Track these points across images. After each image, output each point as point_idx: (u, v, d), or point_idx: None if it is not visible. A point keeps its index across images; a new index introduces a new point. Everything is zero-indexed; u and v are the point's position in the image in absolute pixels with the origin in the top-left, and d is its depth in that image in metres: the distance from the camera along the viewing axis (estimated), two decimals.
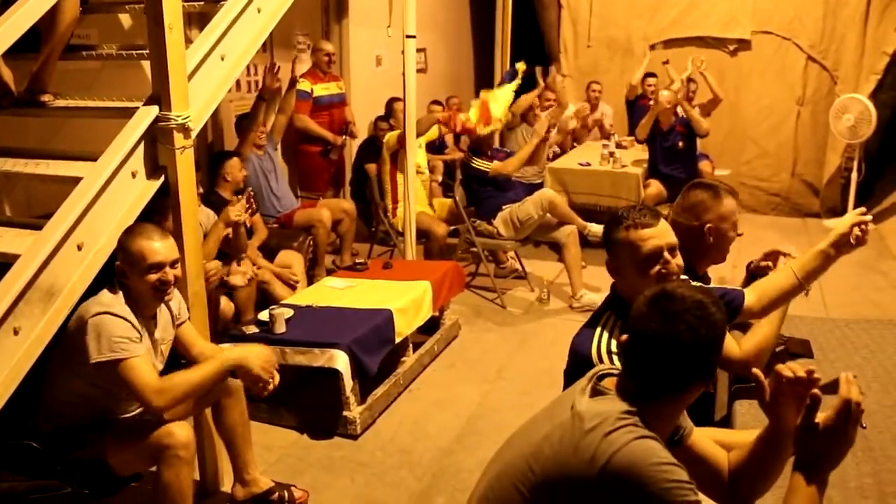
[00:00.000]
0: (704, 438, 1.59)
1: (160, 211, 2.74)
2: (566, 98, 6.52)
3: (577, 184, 5.86)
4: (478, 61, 8.57)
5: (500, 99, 4.97)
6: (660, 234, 1.81)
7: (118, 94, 2.90)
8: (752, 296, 2.01)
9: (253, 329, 3.33)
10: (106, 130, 2.48)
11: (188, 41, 2.64)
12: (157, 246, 2.25)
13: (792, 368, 1.40)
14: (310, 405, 3.36)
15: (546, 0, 7.80)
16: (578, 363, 1.79)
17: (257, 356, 2.38)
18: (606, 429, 1.30)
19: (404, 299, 3.68)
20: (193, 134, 2.52)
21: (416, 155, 4.73)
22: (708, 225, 2.19)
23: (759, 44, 7.04)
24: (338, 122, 5.46)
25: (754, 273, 2.31)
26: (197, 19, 4.10)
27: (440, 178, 5.68)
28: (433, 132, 5.06)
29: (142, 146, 2.41)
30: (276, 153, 4.91)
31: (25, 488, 2.20)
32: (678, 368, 1.34)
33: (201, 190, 3.70)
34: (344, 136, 5.46)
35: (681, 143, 5.70)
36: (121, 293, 2.26)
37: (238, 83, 5.13)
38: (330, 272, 4.65)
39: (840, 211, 6.75)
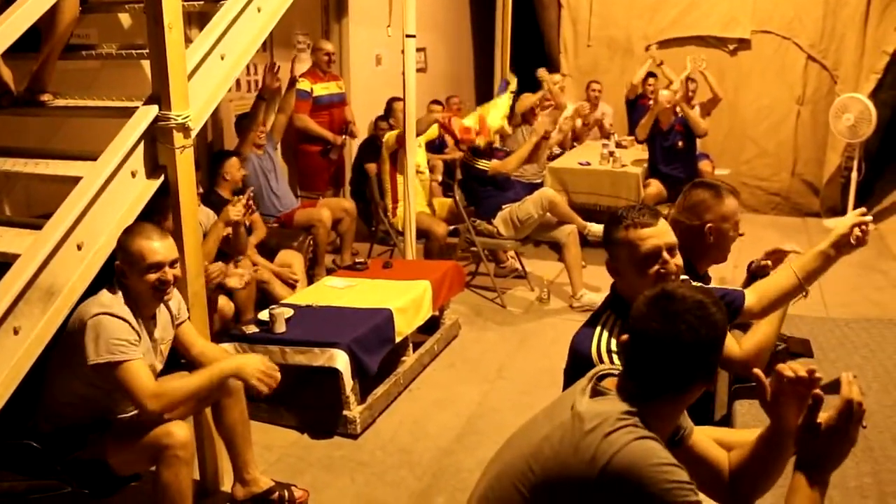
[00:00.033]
0: (705, 438, 1.59)
1: (160, 211, 2.74)
2: (563, 99, 6.51)
3: (577, 183, 5.86)
4: (478, 61, 8.57)
5: (498, 107, 4.98)
6: (658, 234, 1.81)
7: (118, 93, 2.90)
8: (753, 296, 2.00)
9: (253, 328, 3.33)
10: (106, 130, 2.48)
11: (188, 40, 2.64)
12: (157, 246, 2.25)
13: (793, 368, 1.40)
14: (310, 405, 3.36)
15: (546, 0, 7.80)
16: (578, 362, 1.79)
17: (255, 367, 2.35)
18: (606, 429, 1.30)
19: (404, 299, 3.68)
20: (193, 133, 2.52)
21: (416, 154, 4.72)
22: (709, 224, 2.19)
23: (759, 43, 7.04)
24: (338, 122, 5.46)
25: (755, 273, 2.31)
26: (197, 18, 4.10)
27: (440, 178, 5.68)
28: (433, 131, 5.06)
29: (141, 146, 2.41)
30: (275, 153, 4.91)
31: (25, 488, 2.20)
32: (679, 369, 1.34)
33: (201, 190, 3.70)
34: (344, 136, 5.46)
35: (680, 143, 5.70)
36: (120, 293, 2.26)
37: (238, 83, 5.13)
38: (330, 272, 4.65)
39: (840, 210, 6.75)
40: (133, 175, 2.40)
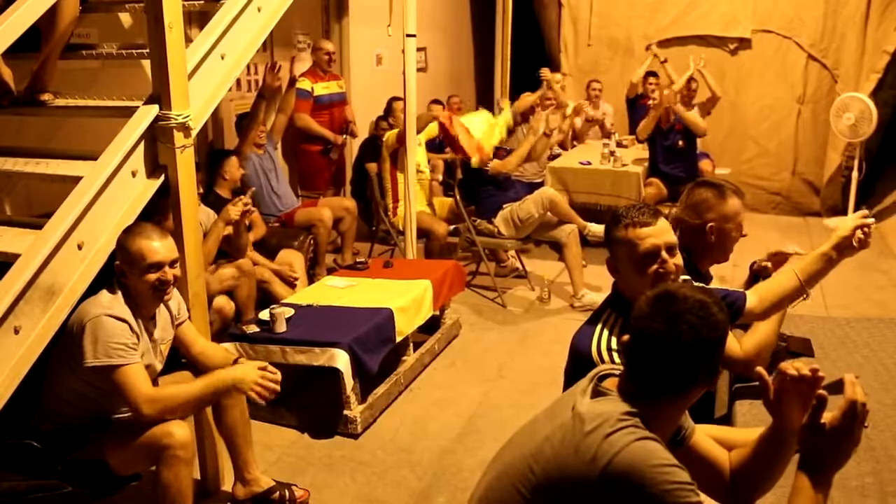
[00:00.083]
0: (706, 438, 1.58)
1: (160, 210, 2.74)
2: (565, 98, 6.51)
3: (577, 183, 5.86)
4: (478, 60, 8.57)
5: (493, 127, 5.01)
6: (658, 233, 1.81)
7: (118, 93, 2.90)
8: (754, 298, 2.00)
9: (253, 328, 3.32)
10: (106, 129, 2.48)
11: (188, 40, 2.64)
12: (157, 245, 2.25)
13: (797, 367, 1.39)
14: (310, 404, 3.36)
15: None
16: (579, 361, 1.79)
17: (252, 379, 2.30)
18: (607, 430, 1.29)
19: (405, 298, 3.68)
20: (194, 133, 2.52)
21: (416, 154, 4.72)
22: (710, 224, 2.19)
23: (759, 43, 7.04)
24: (338, 122, 5.46)
25: (757, 273, 2.31)
26: (197, 18, 4.10)
27: (441, 177, 5.68)
28: (432, 129, 5.05)
29: (142, 145, 2.41)
30: (276, 152, 4.91)
31: (26, 488, 2.21)
32: (680, 369, 1.34)
33: (201, 190, 3.69)
34: (344, 136, 5.46)
35: (681, 142, 5.69)
36: (120, 293, 2.26)
37: (238, 82, 5.13)
38: (331, 271, 4.65)
39: (841, 210, 6.74)
40: (133, 175, 2.40)
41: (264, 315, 3.39)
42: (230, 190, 4.07)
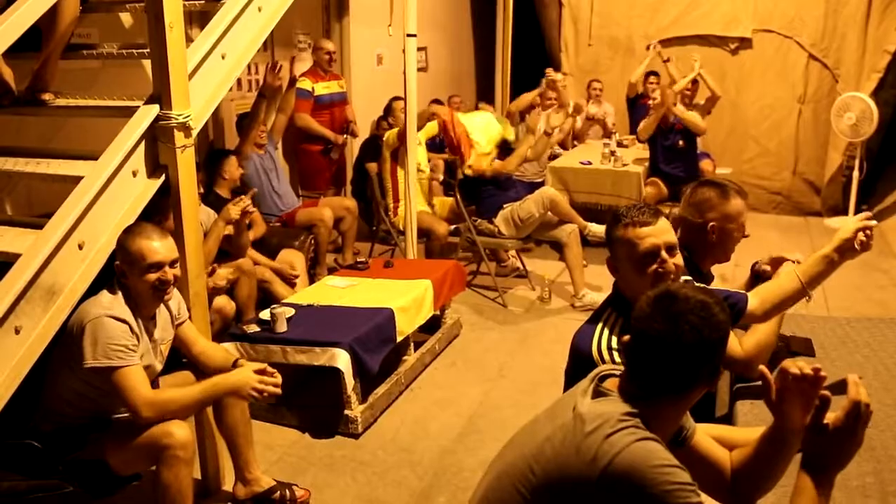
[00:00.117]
0: (707, 438, 1.58)
1: (161, 210, 2.74)
2: (568, 98, 6.51)
3: (578, 182, 5.86)
4: (479, 60, 8.57)
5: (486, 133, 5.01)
6: (657, 233, 1.81)
7: (119, 93, 2.90)
8: (756, 300, 2.00)
9: (254, 328, 3.32)
10: (107, 129, 2.48)
11: (189, 40, 2.64)
12: (157, 245, 2.25)
13: (799, 366, 1.39)
14: (311, 404, 3.36)
15: None
16: (579, 360, 1.79)
17: (252, 385, 2.30)
18: (607, 431, 1.29)
19: (405, 298, 3.68)
20: (194, 133, 2.52)
21: (416, 153, 4.72)
22: (711, 223, 2.18)
23: (760, 42, 7.03)
24: (339, 121, 5.46)
25: (758, 273, 2.31)
26: (198, 18, 4.10)
27: (441, 177, 5.68)
28: (432, 127, 5.05)
29: (142, 145, 2.41)
30: (276, 152, 4.91)
31: (26, 487, 2.21)
32: (681, 370, 1.34)
33: (201, 190, 3.69)
34: (345, 136, 5.46)
35: (681, 142, 5.69)
36: (120, 293, 2.26)
37: (239, 82, 5.13)
38: (331, 271, 4.65)
39: (842, 209, 6.74)
40: (134, 174, 2.40)
41: (265, 315, 3.39)
42: (230, 189, 4.07)
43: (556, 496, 1.33)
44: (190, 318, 2.56)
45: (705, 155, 6.33)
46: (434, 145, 5.55)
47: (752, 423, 1.98)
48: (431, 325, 4.08)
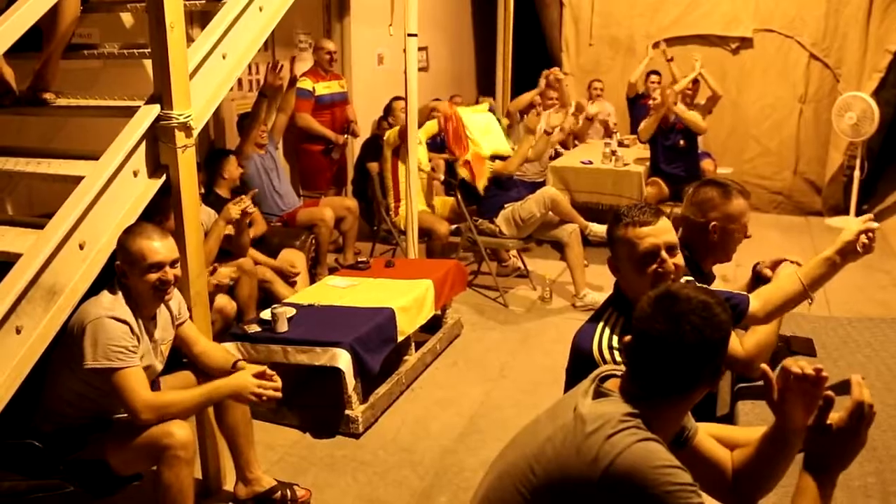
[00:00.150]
0: (708, 438, 1.58)
1: (162, 210, 2.74)
2: (570, 97, 6.51)
3: (579, 182, 5.85)
4: (479, 59, 8.57)
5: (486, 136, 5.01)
6: (657, 233, 1.80)
7: (120, 92, 2.90)
8: (757, 302, 2.00)
9: (255, 328, 3.32)
10: (108, 129, 2.48)
11: (190, 40, 2.64)
12: (157, 245, 2.25)
13: (800, 365, 1.39)
14: (312, 404, 3.36)
15: None
16: (580, 359, 1.79)
17: (251, 390, 2.31)
18: (608, 431, 1.29)
19: (406, 298, 3.68)
20: (195, 133, 2.52)
21: (417, 152, 4.72)
22: (713, 223, 2.18)
23: (761, 42, 7.03)
24: (340, 121, 5.46)
25: (759, 275, 2.31)
26: (198, 18, 4.10)
27: (442, 177, 5.68)
28: (432, 126, 5.04)
29: (143, 145, 2.41)
30: (277, 151, 4.91)
31: (27, 487, 2.21)
32: (682, 370, 1.33)
33: (202, 190, 3.69)
34: (346, 135, 5.46)
35: (682, 142, 5.69)
36: (120, 294, 2.26)
37: (240, 82, 5.13)
38: (332, 271, 4.65)
39: (843, 209, 6.74)
40: (135, 174, 2.40)
41: (266, 315, 3.39)
42: (230, 189, 4.07)
43: (556, 497, 1.33)
44: (191, 317, 2.56)
45: (706, 154, 6.33)
46: (435, 145, 5.55)
47: (753, 423, 1.98)
48: (432, 325, 4.07)
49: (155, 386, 2.43)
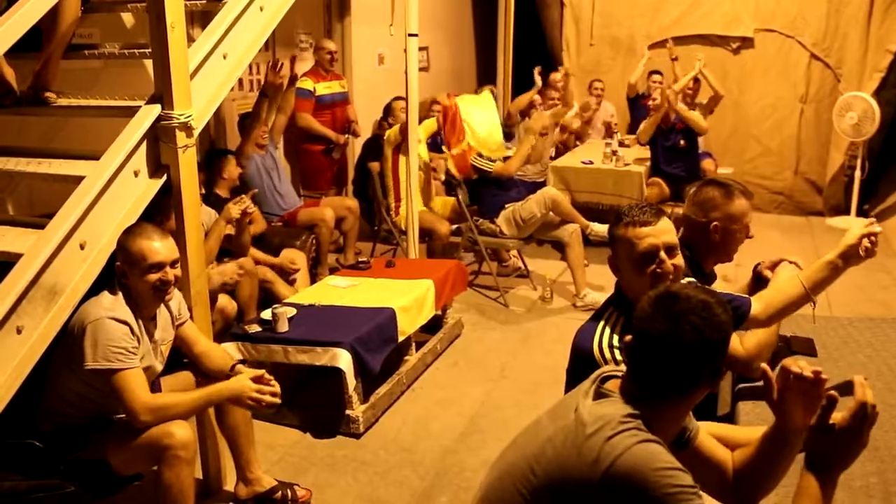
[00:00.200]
0: (709, 439, 1.58)
1: (162, 210, 2.74)
2: (571, 97, 6.50)
3: (579, 182, 5.85)
4: (480, 60, 8.57)
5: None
6: (657, 233, 1.80)
7: (120, 92, 2.90)
8: (759, 304, 2.00)
9: (256, 328, 3.32)
10: (108, 129, 2.48)
11: (190, 40, 2.64)
12: (158, 246, 2.25)
13: (800, 365, 1.39)
14: (313, 404, 3.36)
15: None
16: (580, 358, 1.79)
17: (248, 395, 2.31)
18: (609, 432, 1.29)
19: (407, 298, 3.68)
20: (196, 133, 2.52)
21: (417, 150, 4.72)
22: (714, 223, 2.18)
23: (762, 42, 7.02)
24: (340, 121, 5.45)
25: (760, 276, 2.30)
26: (199, 18, 4.10)
27: (443, 177, 5.68)
28: (431, 124, 5.04)
29: (144, 145, 2.41)
30: (277, 151, 4.91)
31: (27, 487, 2.21)
32: (682, 370, 1.33)
33: (202, 191, 3.69)
34: (346, 135, 5.46)
35: (682, 142, 5.69)
36: (121, 294, 2.26)
37: (240, 82, 5.13)
38: (333, 270, 4.65)
39: (844, 209, 6.73)
40: (136, 174, 2.40)
41: (266, 315, 3.39)
42: (229, 189, 4.07)
43: (557, 497, 1.32)
44: (191, 317, 2.56)
45: (707, 154, 6.32)
46: (435, 144, 5.55)
47: (754, 423, 1.97)
48: (433, 325, 4.07)
49: (155, 386, 2.43)
